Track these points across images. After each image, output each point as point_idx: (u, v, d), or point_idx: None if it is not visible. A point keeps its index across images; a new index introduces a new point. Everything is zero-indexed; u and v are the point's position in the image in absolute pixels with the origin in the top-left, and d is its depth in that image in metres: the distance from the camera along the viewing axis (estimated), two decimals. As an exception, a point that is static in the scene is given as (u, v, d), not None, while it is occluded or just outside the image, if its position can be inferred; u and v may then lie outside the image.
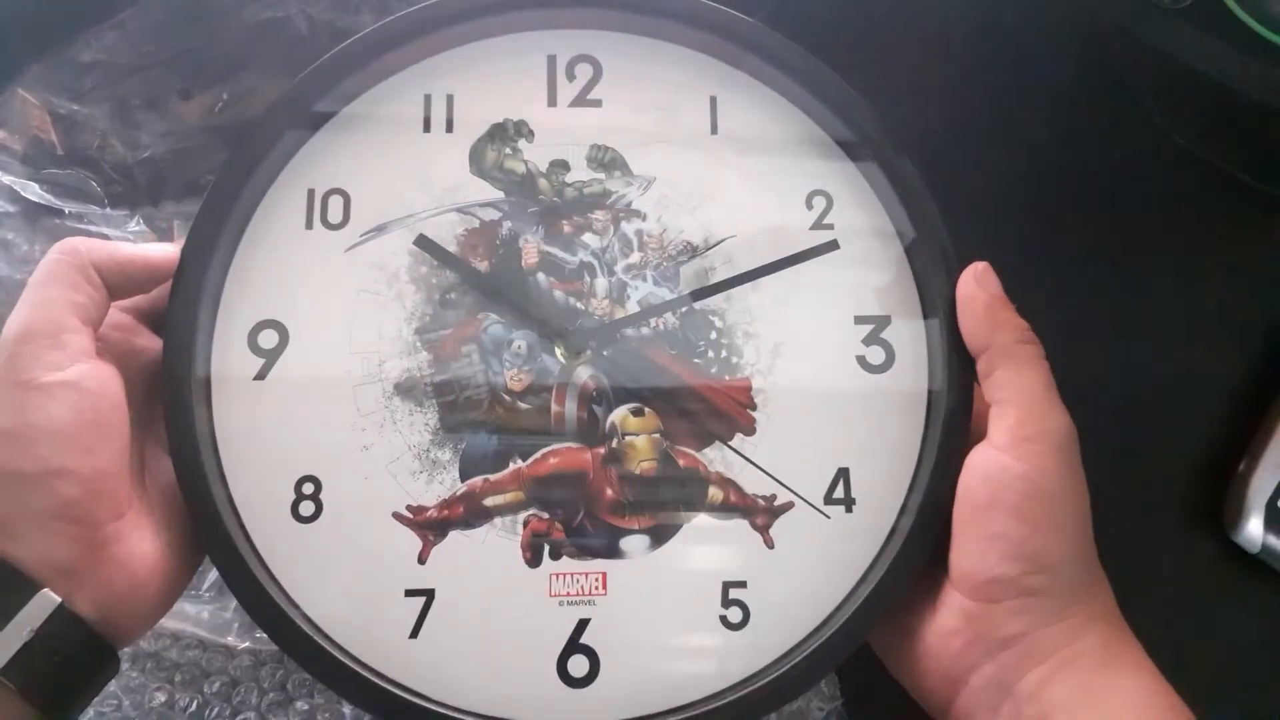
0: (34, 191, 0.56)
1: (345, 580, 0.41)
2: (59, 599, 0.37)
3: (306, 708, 0.54)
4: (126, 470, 0.40)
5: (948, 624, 0.40)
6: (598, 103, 0.47)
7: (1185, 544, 0.58)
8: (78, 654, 0.38)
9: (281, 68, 0.58)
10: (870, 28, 0.60)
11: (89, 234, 0.55)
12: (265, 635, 0.40)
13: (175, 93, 0.57)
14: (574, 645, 0.41)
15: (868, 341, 0.45)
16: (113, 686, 0.52)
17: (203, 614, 0.54)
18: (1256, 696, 0.57)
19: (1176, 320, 0.60)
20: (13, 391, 0.38)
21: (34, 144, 0.56)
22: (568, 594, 0.42)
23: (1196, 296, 0.61)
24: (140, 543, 0.40)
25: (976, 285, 0.42)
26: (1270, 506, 0.56)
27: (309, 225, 0.45)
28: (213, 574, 0.53)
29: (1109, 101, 0.62)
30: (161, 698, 0.54)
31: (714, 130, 0.47)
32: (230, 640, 0.54)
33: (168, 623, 0.53)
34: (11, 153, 0.56)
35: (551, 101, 0.47)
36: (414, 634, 0.41)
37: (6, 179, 0.56)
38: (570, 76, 0.47)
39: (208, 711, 0.54)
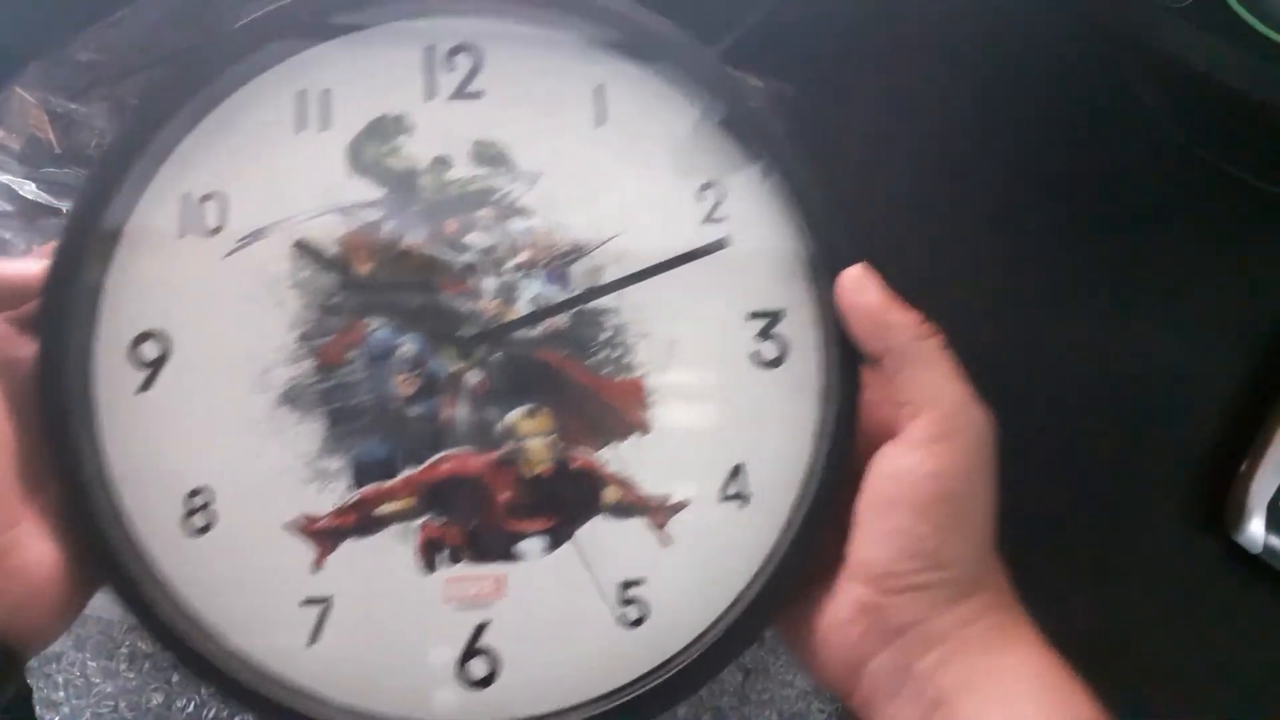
0: (31, 191, 0.63)
1: (241, 591, 0.51)
2: None
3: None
4: (16, 481, 0.48)
5: (845, 614, 0.51)
6: (479, 95, 0.56)
7: (1186, 544, 0.68)
8: None
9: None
10: (868, 27, 0.69)
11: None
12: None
13: None
14: (473, 648, 0.51)
15: (761, 336, 0.55)
16: (110, 688, 0.60)
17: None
18: (1257, 696, 0.66)
19: (1176, 320, 0.70)
20: None
21: (32, 143, 0.64)
22: (465, 598, 0.52)
23: (1196, 296, 0.70)
24: (37, 553, 0.48)
25: (858, 291, 0.52)
26: (1272, 507, 0.65)
27: (186, 232, 0.53)
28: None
29: (1109, 101, 0.71)
30: (159, 699, 0.63)
31: (601, 121, 0.56)
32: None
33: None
34: (9, 151, 0.64)
35: (430, 94, 0.55)
36: (312, 641, 0.51)
37: (4, 178, 0.63)
38: (449, 68, 0.55)
39: (205, 712, 0.63)
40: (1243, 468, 0.68)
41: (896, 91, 0.66)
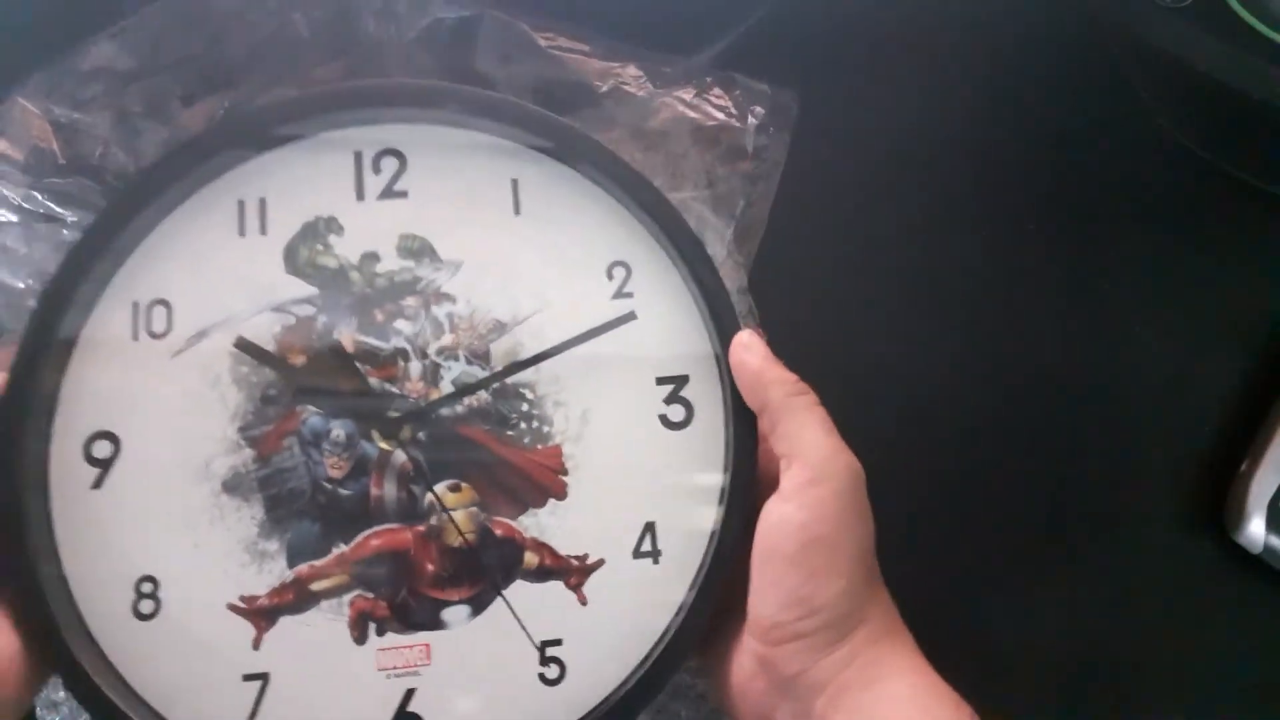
0: (35, 201, 0.64)
1: (186, 671, 0.52)
2: None
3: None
4: None
5: (749, 668, 0.51)
6: (404, 194, 0.58)
7: (1186, 544, 0.67)
8: None
9: (283, 73, 0.66)
10: (867, 28, 0.69)
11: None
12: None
13: (177, 100, 0.66)
14: (402, 714, 0.52)
15: (669, 400, 0.56)
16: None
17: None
18: (1258, 697, 0.65)
19: (1176, 320, 0.69)
20: None
21: (35, 153, 0.64)
22: (394, 667, 0.52)
23: (1196, 296, 0.69)
24: None
25: (744, 352, 0.53)
26: (1272, 507, 0.64)
27: (135, 337, 0.55)
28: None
29: (1109, 101, 0.71)
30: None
31: (517, 211, 0.58)
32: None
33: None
34: (12, 162, 0.64)
35: (360, 196, 0.57)
36: (252, 716, 0.52)
37: (6, 188, 0.64)
38: (376, 170, 0.58)
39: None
40: (1243, 468, 0.66)
41: (894, 92, 0.65)
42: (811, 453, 0.50)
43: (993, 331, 0.67)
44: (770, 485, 0.52)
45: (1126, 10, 0.64)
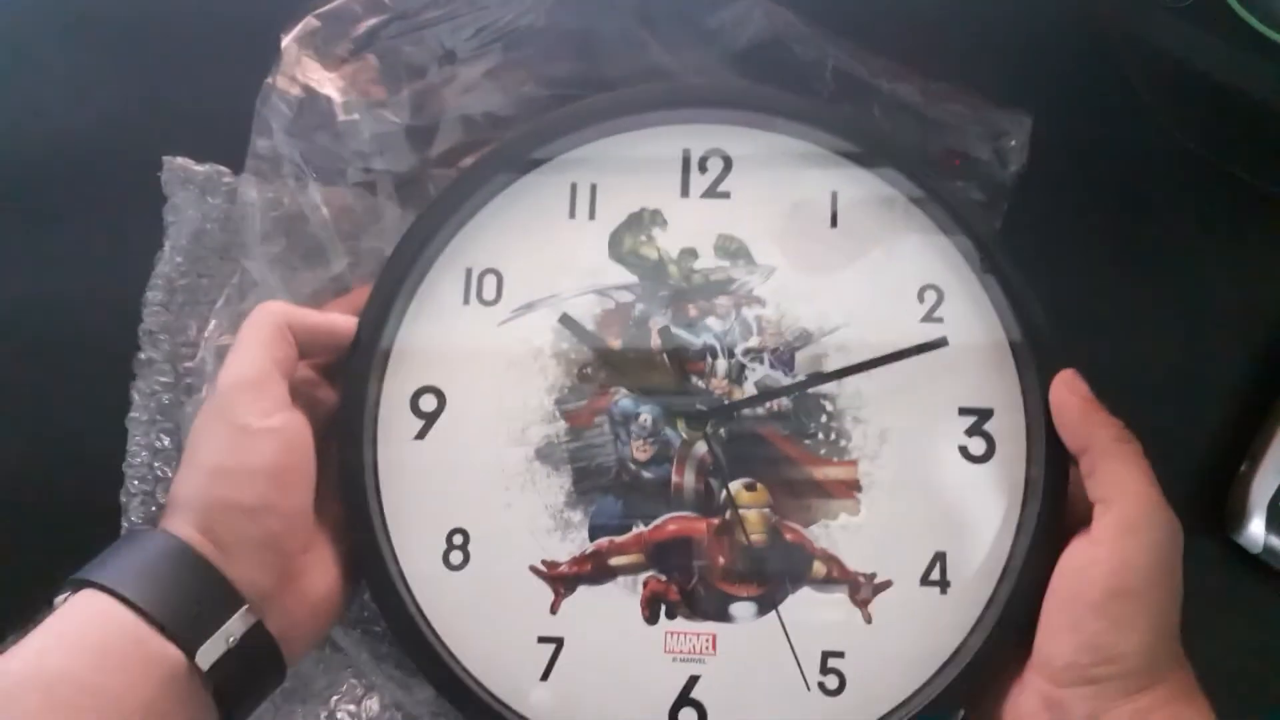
0: (301, 144, 0.58)
1: (486, 624, 0.51)
2: (257, 617, 0.46)
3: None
4: (311, 509, 0.49)
5: (1029, 705, 0.47)
6: (726, 195, 0.55)
7: (1186, 544, 0.61)
8: (263, 667, 0.47)
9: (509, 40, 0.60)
10: (867, 25, 0.64)
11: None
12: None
13: (438, 59, 0.60)
14: (684, 699, 0.50)
15: (970, 432, 0.52)
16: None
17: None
18: (1257, 697, 0.59)
19: (1176, 319, 0.63)
20: (232, 434, 0.47)
21: (306, 101, 0.58)
22: (681, 651, 0.50)
23: (1196, 295, 0.63)
24: (318, 576, 0.49)
25: (1068, 390, 0.49)
26: (1272, 507, 0.58)
27: (466, 301, 0.54)
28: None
29: (1109, 101, 0.65)
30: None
31: (834, 223, 0.54)
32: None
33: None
34: (279, 114, 0.58)
35: (684, 193, 0.55)
36: (545, 676, 0.50)
37: (277, 125, 0.58)
38: (702, 169, 0.55)
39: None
40: (1243, 468, 0.60)
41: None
42: (1133, 502, 0.46)
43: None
44: (1069, 526, 0.48)
45: (1127, 10, 0.59)
